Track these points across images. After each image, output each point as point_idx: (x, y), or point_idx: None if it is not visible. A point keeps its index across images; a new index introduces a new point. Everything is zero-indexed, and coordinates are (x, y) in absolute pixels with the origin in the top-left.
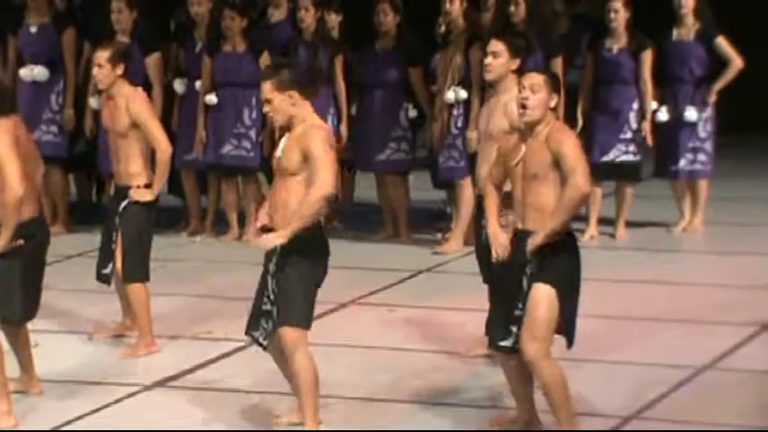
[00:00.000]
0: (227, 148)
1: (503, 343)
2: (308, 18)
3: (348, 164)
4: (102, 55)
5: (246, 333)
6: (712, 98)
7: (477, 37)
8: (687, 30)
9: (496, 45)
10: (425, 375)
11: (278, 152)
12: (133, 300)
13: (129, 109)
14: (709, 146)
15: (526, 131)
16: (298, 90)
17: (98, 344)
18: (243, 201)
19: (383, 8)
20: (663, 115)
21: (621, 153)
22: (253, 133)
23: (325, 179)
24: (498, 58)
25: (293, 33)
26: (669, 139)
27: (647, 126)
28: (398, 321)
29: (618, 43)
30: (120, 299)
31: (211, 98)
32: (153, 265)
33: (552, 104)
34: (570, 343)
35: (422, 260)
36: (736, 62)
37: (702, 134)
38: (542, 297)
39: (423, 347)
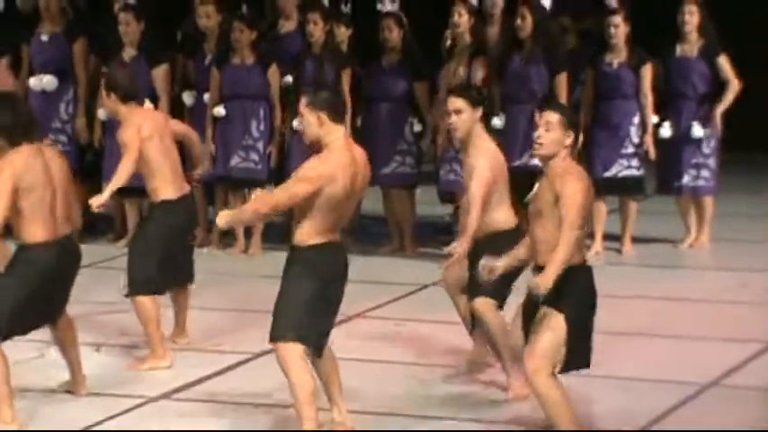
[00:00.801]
0: (235, 161)
1: None
2: (317, 31)
3: None
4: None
5: None
6: (717, 121)
7: (481, 51)
8: (691, 46)
9: (456, 102)
10: (433, 389)
11: None
12: (138, 313)
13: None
14: (712, 162)
15: (543, 167)
16: (327, 113)
17: (104, 355)
18: None
19: (388, 24)
20: (666, 131)
21: (624, 168)
22: (261, 145)
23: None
24: (461, 114)
25: (302, 46)
26: (673, 154)
27: (648, 140)
28: (404, 335)
29: (618, 58)
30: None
31: (220, 110)
32: None
33: (567, 142)
34: (586, 365)
35: (428, 274)
36: (734, 84)
37: (706, 150)
38: (550, 321)
39: (429, 361)
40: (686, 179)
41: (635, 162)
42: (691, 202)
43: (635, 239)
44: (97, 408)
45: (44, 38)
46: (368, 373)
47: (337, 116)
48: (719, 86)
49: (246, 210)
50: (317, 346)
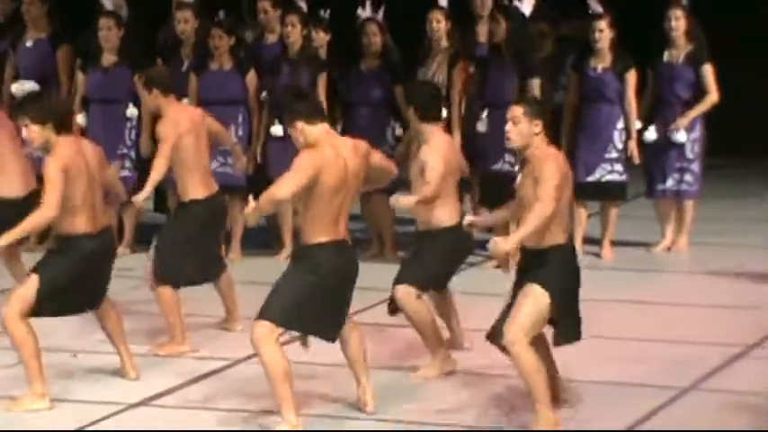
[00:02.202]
0: (213, 166)
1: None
2: (294, 35)
3: None
4: (138, 82)
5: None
6: (684, 123)
7: (460, 55)
8: (678, 52)
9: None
10: (412, 392)
11: None
12: (159, 303)
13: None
14: (696, 166)
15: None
16: (304, 120)
17: (83, 362)
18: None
19: (370, 29)
20: (651, 135)
21: (607, 173)
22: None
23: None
24: None
25: (279, 50)
26: (656, 159)
27: (632, 144)
28: (385, 340)
29: (602, 63)
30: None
31: None
32: (137, 283)
33: (537, 131)
34: (577, 337)
35: None
36: (712, 96)
37: (690, 155)
38: (529, 292)
39: (411, 364)
40: (670, 183)
41: (618, 167)
42: (672, 206)
43: (614, 243)
44: (76, 414)
45: (29, 44)
46: (347, 379)
47: (313, 118)
48: (703, 93)
49: (263, 201)
50: (319, 332)
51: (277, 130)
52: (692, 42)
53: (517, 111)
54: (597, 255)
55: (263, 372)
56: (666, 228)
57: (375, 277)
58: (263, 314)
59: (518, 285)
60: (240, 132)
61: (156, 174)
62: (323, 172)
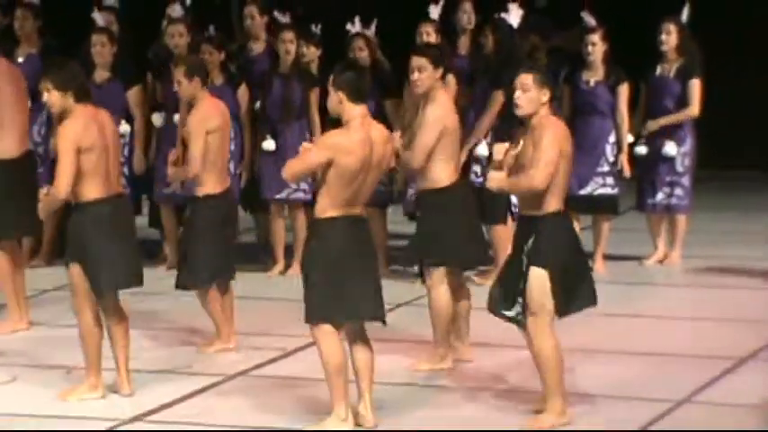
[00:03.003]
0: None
1: (507, 312)
2: (287, 51)
3: None
4: (178, 72)
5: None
6: (653, 128)
7: (449, 68)
8: (669, 66)
9: (418, 60)
10: (405, 409)
11: None
12: (202, 304)
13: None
14: (686, 180)
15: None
16: (347, 93)
17: (76, 379)
18: None
19: (359, 44)
20: (641, 149)
21: (599, 186)
22: (231, 165)
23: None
24: (423, 72)
25: (270, 65)
26: (647, 172)
27: (623, 158)
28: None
29: (595, 76)
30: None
31: None
32: (131, 299)
33: (544, 99)
34: (592, 303)
35: (401, 293)
36: (693, 110)
37: (680, 168)
38: (535, 279)
39: (401, 381)
40: (660, 197)
41: (610, 180)
42: (663, 219)
43: (606, 256)
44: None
45: (20, 59)
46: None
47: (357, 97)
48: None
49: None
50: (349, 313)
51: (269, 144)
52: (684, 57)
53: (527, 78)
54: (583, 249)
55: (256, 386)
56: (658, 241)
57: None
58: (307, 317)
59: (515, 252)
60: (232, 147)
61: (192, 168)
62: (341, 156)
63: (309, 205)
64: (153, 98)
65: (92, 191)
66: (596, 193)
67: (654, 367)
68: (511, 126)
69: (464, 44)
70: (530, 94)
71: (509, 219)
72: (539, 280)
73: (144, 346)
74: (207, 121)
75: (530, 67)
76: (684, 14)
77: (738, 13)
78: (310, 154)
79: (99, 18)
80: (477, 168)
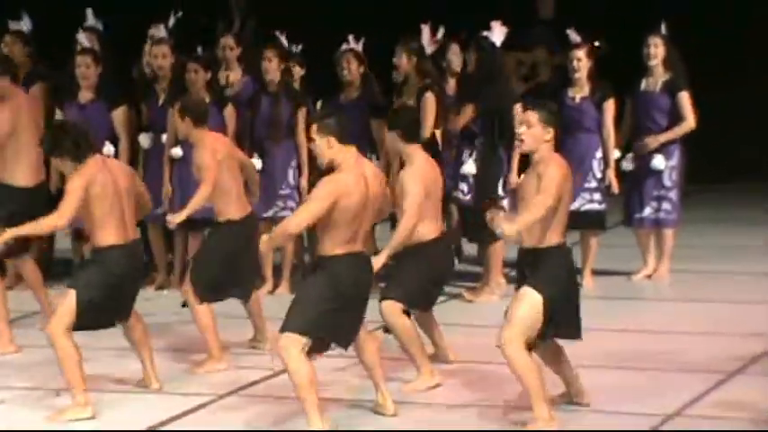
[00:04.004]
0: None
1: None
2: (272, 69)
3: None
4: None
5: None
6: (653, 145)
7: (428, 87)
8: (655, 80)
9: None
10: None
11: None
12: (196, 321)
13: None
14: (674, 195)
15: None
16: (335, 137)
17: (64, 400)
18: None
19: (348, 59)
20: (628, 164)
21: (586, 202)
22: None
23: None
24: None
25: (256, 85)
26: (635, 187)
27: (611, 174)
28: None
29: (581, 92)
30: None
31: (177, 151)
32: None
33: (548, 137)
34: (575, 336)
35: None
36: (689, 122)
37: (668, 183)
38: (523, 295)
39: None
40: (648, 211)
41: (597, 196)
42: (651, 234)
43: (595, 272)
44: None
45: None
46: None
47: (346, 138)
48: (680, 120)
49: (277, 234)
50: (336, 339)
51: (257, 163)
52: (670, 70)
53: (532, 116)
54: (578, 284)
55: (245, 405)
56: (648, 256)
57: None
58: (287, 326)
59: (518, 286)
60: None
61: (201, 199)
62: (342, 199)
63: None
64: (137, 119)
65: (109, 237)
66: (584, 208)
67: (643, 381)
68: (493, 145)
69: (452, 86)
70: (534, 130)
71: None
72: (532, 300)
73: (133, 367)
74: (215, 155)
75: (536, 103)
76: (663, 29)
77: (724, 24)
78: (313, 204)
79: (83, 39)
80: (463, 186)
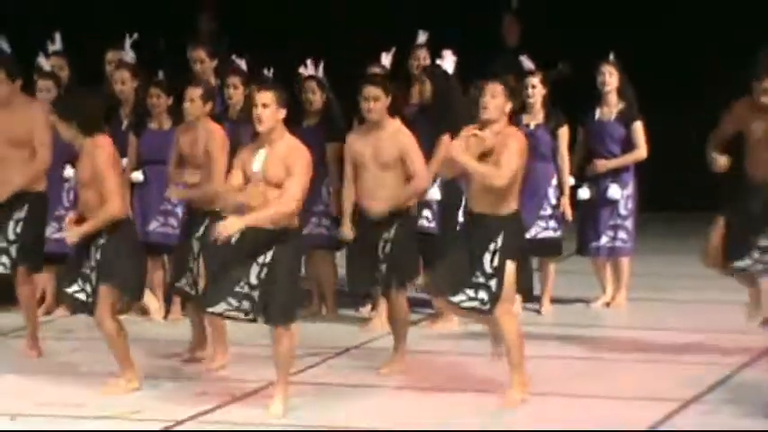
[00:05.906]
0: (153, 225)
1: (460, 301)
2: (237, 95)
3: None
4: (194, 91)
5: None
6: (602, 169)
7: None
8: (609, 109)
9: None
10: None
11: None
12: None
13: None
14: (629, 223)
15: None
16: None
17: (23, 423)
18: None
19: (311, 87)
20: (584, 193)
21: (542, 230)
22: (179, 210)
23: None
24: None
25: (220, 110)
26: (590, 216)
27: (565, 201)
28: (325, 401)
29: (535, 119)
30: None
31: (138, 176)
32: (78, 345)
33: (507, 109)
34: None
35: (348, 337)
36: (641, 152)
37: (623, 212)
38: (509, 272)
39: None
40: (604, 240)
41: (552, 223)
42: (607, 262)
43: (553, 299)
44: None
45: None
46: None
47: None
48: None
49: (266, 213)
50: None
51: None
52: (623, 99)
53: (497, 87)
54: (537, 311)
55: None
56: (606, 283)
57: (316, 336)
58: (283, 321)
59: (469, 245)
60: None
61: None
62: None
63: None
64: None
65: (124, 209)
66: (539, 236)
67: (600, 410)
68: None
69: (415, 92)
70: (498, 101)
71: None
72: (511, 272)
73: (91, 393)
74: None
75: (500, 78)
76: (611, 58)
77: (672, 54)
78: (306, 176)
79: (44, 63)
80: (427, 213)
